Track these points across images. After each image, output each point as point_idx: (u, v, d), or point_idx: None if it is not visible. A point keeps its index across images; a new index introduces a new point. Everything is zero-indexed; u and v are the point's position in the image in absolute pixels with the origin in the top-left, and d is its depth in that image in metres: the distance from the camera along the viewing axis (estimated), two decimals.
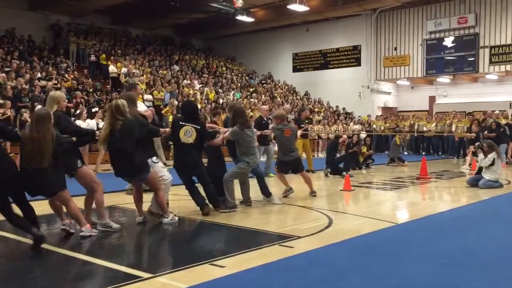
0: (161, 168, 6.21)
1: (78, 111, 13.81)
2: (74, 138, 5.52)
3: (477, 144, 10.35)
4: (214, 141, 6.97)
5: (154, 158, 6.08)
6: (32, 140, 4.89)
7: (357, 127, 20.82)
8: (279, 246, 4.92)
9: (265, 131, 9.60)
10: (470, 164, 13.29)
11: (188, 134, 6.46)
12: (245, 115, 7.04)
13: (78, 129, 5.86)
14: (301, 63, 27.48)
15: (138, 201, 6.17)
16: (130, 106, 5.89)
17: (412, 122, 21.22)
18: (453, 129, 18.69)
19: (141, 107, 7.01)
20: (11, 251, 5.08)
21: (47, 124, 4.95)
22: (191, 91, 20.48)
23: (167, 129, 6.80)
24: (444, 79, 24.41)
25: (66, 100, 6.58)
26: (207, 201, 6.72)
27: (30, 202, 5.19)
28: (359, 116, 23.45)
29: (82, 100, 15.91)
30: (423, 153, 19.98)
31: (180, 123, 6.57)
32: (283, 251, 4.72)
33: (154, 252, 5.17)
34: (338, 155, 12.35)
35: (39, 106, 13.70)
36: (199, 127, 6.53)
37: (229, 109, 7.70)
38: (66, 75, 18.16)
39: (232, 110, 7.38)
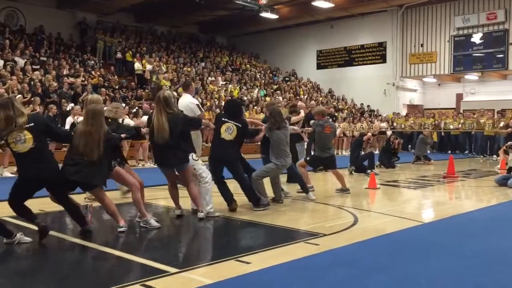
0: (201, 165, 6.30)
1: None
2: (123, 135, 5.75)
3: (509, 143, 10.13)
4: (255, 139, 7.12)
5: (194, 155, 6.19)
6: (87, 134, 5.09)
7: (384, 124, 20.61)
8: (304, 244, 4.91)
9: (305, 128, 9.42)
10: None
11: (229, 131, 6.55)
12: (278, 117, 7.02)
13: (125, 129, 6.06)
14: (325, 60, 27.29)
15: (174, 194, 6.36)
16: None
17: (437, 121, 20.69)
18: (486, 127, 18.12)
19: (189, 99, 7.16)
20: (42, 245, 5.18)
21: (101, 119, 5.20)
22: (215, 88, 20.58)
23: (210, 123, 6.93)
24: (472, 76, 23.91)
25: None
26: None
27: None
28: (386, 115, 23.15)
29: (107, 97, 16.13)
30: (449, 151, 19.61)
31: (223, 119, 6.68)
32: (308, 249, 4.70)
33: (181, 248, 5.21)
34: (362, 152, 12.24)
35: (71, 104, 14.01)
36: (240, 125, 6.62)
37: (267, 109, 7.89)
38: (93, 72, 18.45)
39: (268, 110, 7.49)
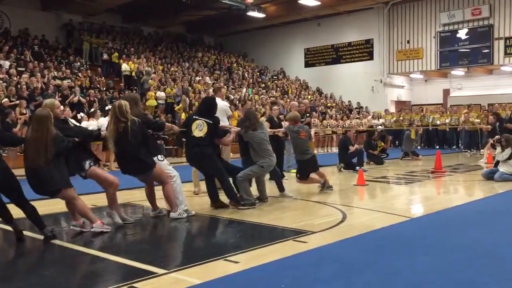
0: (166, 165, 6.25)
1: (92, 110, 13.97)
2: (76, 139, 5.52)
3: (496, 137, 10.21)
4: (223, 140, 6.97)
5: (160, 156, 6.16)
6: (33, 140, 5.02)
7: (376, 121, 20.68)
8: (293, 242, 4.92)
9: (278, 130, 9.45)
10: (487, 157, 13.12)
11: (199, 127, 6.58)
12: (253, 119, 7.09)
13: (80, 131, 5.89)
14: (313, 58, 27.36)
15: (151, 196, 6.34)
16: (133, 107, 6.00)
17: (422, 116, 20.81)
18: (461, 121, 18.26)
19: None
20: (24, 247, 5.14)
21: (46, 124, 5.04)
22: (203, 88, 20.53)
23: (174, 126, 7.05)
24: (458, 71, 24.13)
25: (61, 107, 6.74)
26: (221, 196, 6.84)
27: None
28: (373, 112, 23.22)
29: (95, 98, 16.05)
30: (437, 146, 19.75)
31: (194, 117, 6.74)
32: (296, 247, 4.71)
33: (168, 248, 5.20)
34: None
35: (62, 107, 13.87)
36: (211, 122, 6.61)
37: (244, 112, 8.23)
38: (80, 74, 18.31)
39: (243, 113, 7.70)
